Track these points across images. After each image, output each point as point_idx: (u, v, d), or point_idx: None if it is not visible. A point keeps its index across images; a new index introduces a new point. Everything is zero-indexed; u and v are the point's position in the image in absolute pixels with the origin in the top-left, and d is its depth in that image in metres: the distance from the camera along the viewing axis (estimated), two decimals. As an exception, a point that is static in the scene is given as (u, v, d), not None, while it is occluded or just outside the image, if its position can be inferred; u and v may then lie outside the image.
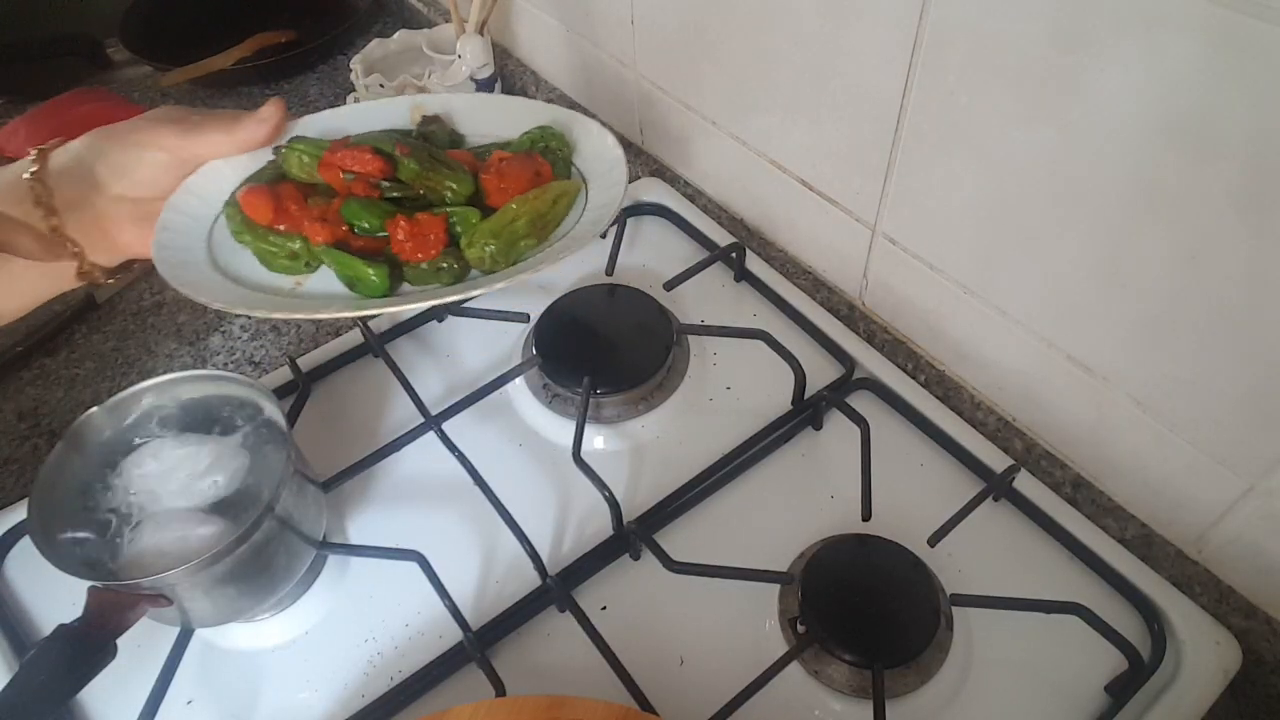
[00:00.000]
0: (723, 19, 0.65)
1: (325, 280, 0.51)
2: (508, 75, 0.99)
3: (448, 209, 0.51)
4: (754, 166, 0.71)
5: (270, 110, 0.53)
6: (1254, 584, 0.52)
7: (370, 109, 0.60)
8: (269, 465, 0.52)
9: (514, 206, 0.50)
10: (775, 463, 0.62)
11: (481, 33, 0.85)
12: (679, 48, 0.72)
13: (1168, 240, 0.45)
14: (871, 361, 0.66)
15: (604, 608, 0.55)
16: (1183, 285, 0.45)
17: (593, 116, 0.57)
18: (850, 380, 0.65)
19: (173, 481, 0.50)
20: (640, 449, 0.63)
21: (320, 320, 0.49)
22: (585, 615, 0.53)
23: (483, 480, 0.59)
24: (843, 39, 0.56)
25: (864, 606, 0.52)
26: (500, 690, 0.50)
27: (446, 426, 0.63)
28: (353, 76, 0.93)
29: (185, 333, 0.76)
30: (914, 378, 0.66)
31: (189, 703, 0.52)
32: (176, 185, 0.52)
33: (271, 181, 0.53)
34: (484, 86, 0.87)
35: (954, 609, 0.52)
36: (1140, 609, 0.53)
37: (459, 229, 0.50)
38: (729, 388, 0.66)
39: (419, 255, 0.49)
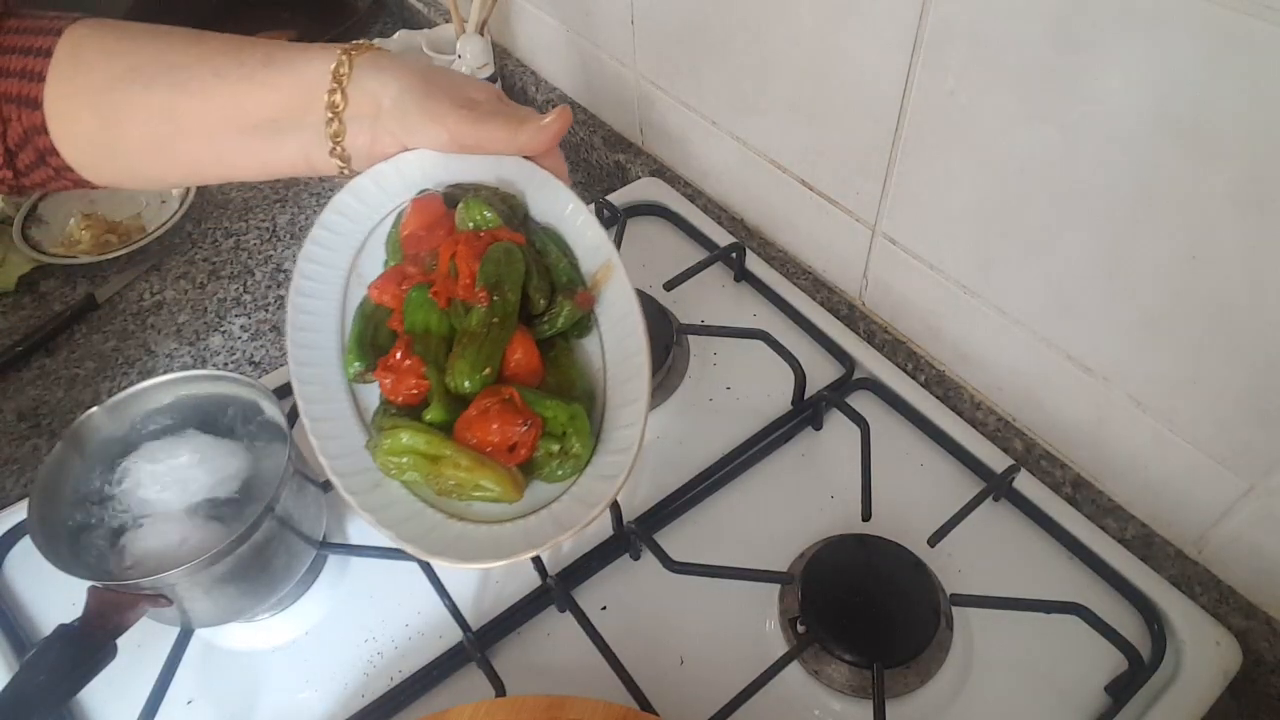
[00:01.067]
0: (723, 19, 0.65)
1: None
2: (508, 75, 0.99)
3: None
4: (754, 166, 0.71)
5: (555, 118, 0.47)
6: (1254, 584, 0.52)
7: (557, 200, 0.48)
8: (269, 465, 0.52)
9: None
10: (775, 463, 0.62)
11: (481, 33, 0.85)
12: (679, 48, 0.72)
13: (1168, 240, 0.45)
14: (871, 361, 0.66)
15: (604, 608, 0.55)
16: (1183, 285, 0.45)
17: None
18: (850, 380, 0.65)
19: (173, 481, 0.50)
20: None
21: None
22: (585, 615, 0.53)
23: (483, 480, 0.59)
24: (843, 39, 0.56)
25: (864, 606, 0.52)
26: (500, 690, 0.50)
27: (446, 426, 0.62)
28: (353, 76, 0.93)
29: (185, 333, 0.76)
30: (914, 378, 0.66)
31: (189, 703, 0.52)
32: (440, 161, 0.48)
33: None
34: (484, 86, 0.87)
35: (954, 609, 0.52)
36: (1140, 609, 0.53)
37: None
38: (729, 388, 0.66)
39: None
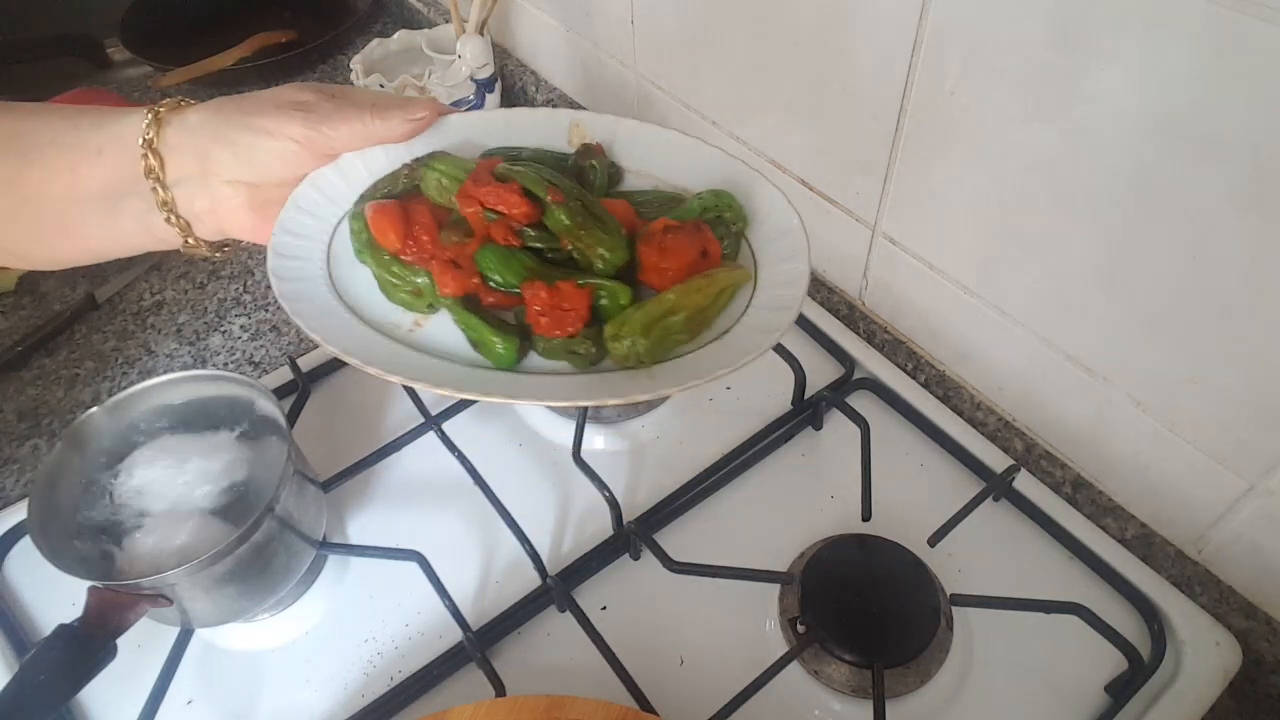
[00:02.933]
0: (723, 19, 0.65)
1: (446, 326, 0.44)
2: (508, 75, 0.99)
3: (595, 281, 0.43)
4: (754, 166, 0.71)
5: (423, 110, 0.48)
6: (1254, 584, 0.52)
7: (524, 119, 0.52)
8: (269, 465, 0.52)
9: (672, 298, 0.42)
10: (775, 463, 0.62)
11: (481, 33, 0.85)
12: (679, 48, 0.72)
13: (1168, 240, 0.45)
14: (871, 361, 0.66)
15: (604, 608, 0.55)
16: (1183, 285, 0.45)
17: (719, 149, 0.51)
18: (850, 380, 0.65)
19: (173, 481, 0.50)
20: (640, 449, 0.63)
21: (438, 394, 0.42)
22: (585, 615, 0.53)
23: (483, 480, 0.59)
24: (843, 39, 0.56)
25: (864, 606, 0.52)
26: (500, 690, 0.50)
27: (446, 426, 0.63)
28: (353, 76, 0.93)
29: (185, 333, 0.76)
30: (914, 378, 0.66)
31: (189, 703, 0.52)
32: (301, 175, 0.47)
33: (402, 196, 0.47)
34: (484, 87, 0.87)
35: (954, 609, 0.52)
36: (1140, 609, 0.53)
37: (605, 306, 0.43)
38: (729, 388, 0.66)
39: (555, 331, 0.42)
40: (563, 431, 0.63)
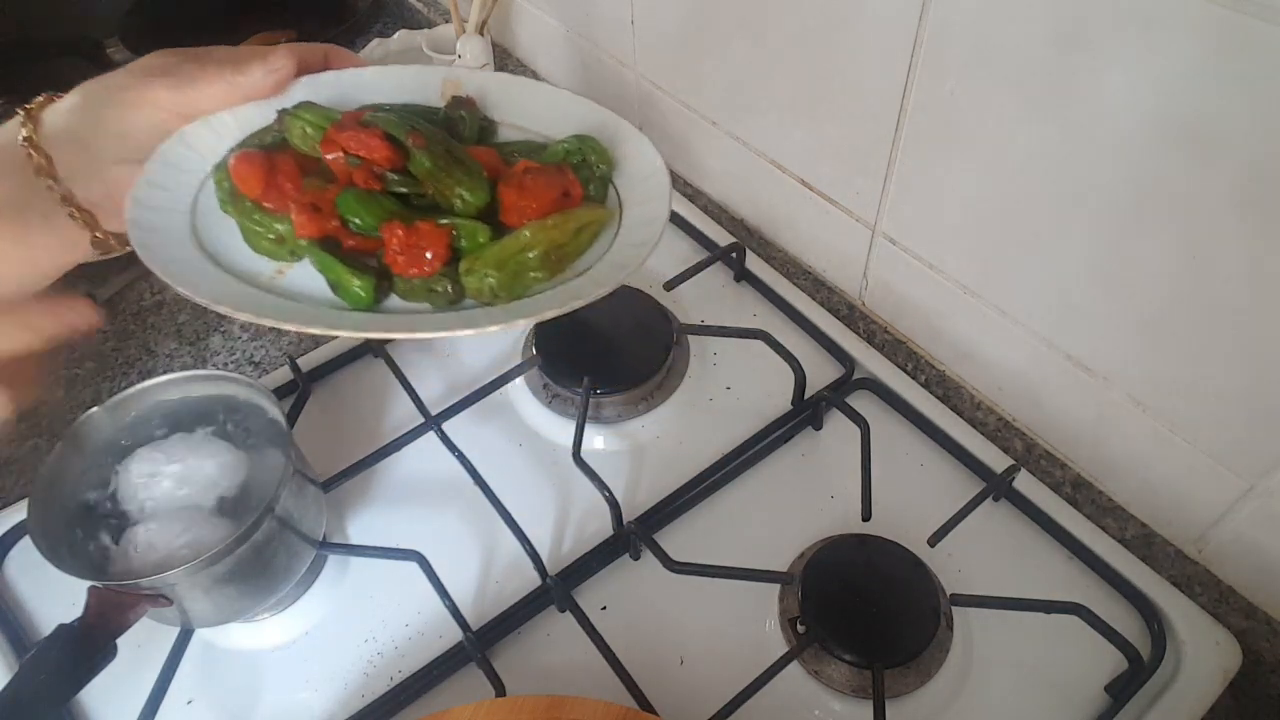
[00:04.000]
0: (723, 19, 0.65)
1: (309, 272, 0.44)
2: (508, 75, 0.98)
3: (454, 220, 0.44)
4: (754, 166, 0.71)
5: (281, 60, 0.47)
6: (1254, 584, 0.52)
7: (398, 76, 0.52)
8: (269, 465, 0.52)
9: (527, 234, 0.43)
10: (775, 463, 0.62)
11: (481, 33, 0.85)
12: (679, 48, 0.71)
13: (1168, 240, 0.45)
14: (871, 361, 0.66)
15: (604, 608, 0.55)
16: (1183, 285, 0.45)
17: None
18: (850, 380, 0.65)
19: (173, 481, 0.50)
20: (640, 449, 0.63)
21: (283, 329, 0.43)
22: (585, 615, 0.53)
23: (483, 480, 0.59)
24: (843, 39, 0.56)
25: (864, 606, 0.52)
26: (500, 690, 0.50)
27: (446, 426, 0.63)
28: (353, 76, 0.93)
29: (185, 333, 0.76)
30: (914, 378, 0.66)
31: (189, 703, 0.52)
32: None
33: (271, 148, 0.46)
34: (484, 86, 0.87)
35: (954, 609, 0.52)
36: (1140, 609, 0.53)
37: (464, 247, 0.43)
38: (729, 388, 0.66)
39: (412, 270, 0.42)
40: (563, 431, 0.63)
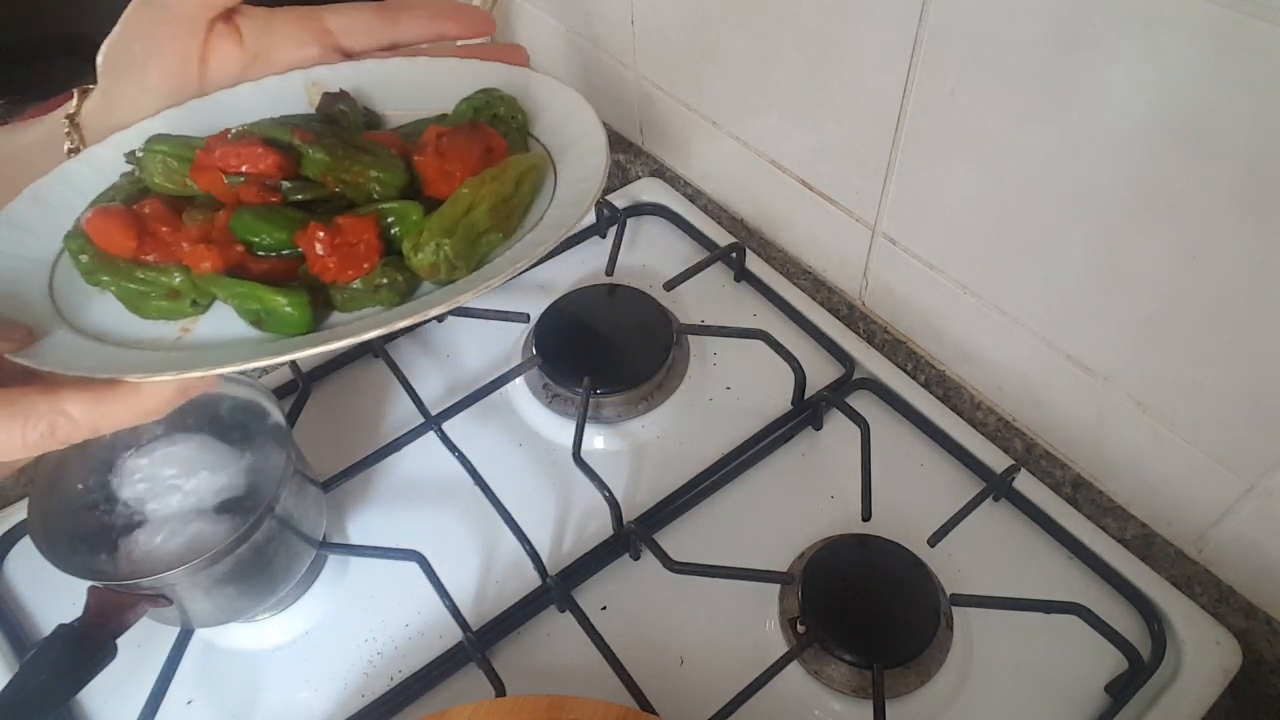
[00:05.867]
0: (723, 19, 0.65)
1: (222, 320, 0.38)
2: (508, 75, 0.98)
3: (378, 207, 0.38)
4: (754, 166, 0.71)
5: None
6: (1254, 584, 0.52)
7: (250, 93, 0.45)
8: (269, 465, 0.52)
9: (466, 192, 0.38)
10: (775, 463, 0.62)
11: (481, 33, 0.84)
12: (679, 48, 0.72)
13: (1168, 240, 0.45)
14: (871, 361, 0.66)
15: (604, 608, 0.55)
16: (1183, 285, 0.45)
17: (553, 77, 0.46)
18: (850, 380, 0.65)
19: (173, 481, 0.50)
20: (640, 449, 0.63)
21: (224, 374, 0.34)
22: (585, 615, 0.53)
23: (483, 480, 0.59)
24: (843, 39, 0.56)
25: (864, 606, 0.52)
26: (500, 690, 0.50)
27: (446, 426, 0.63)
28: (353, 76, 0.92)
29: (185, 333, 0.75)
30: (914, 378, 0.66)
31: (189, 703, 0.52)
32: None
33: (129, 200, 0.40)
34: (484, 86, 0.87)
35: (954, 609, 0.52)
36: (1140, 609, 0.53)
37: (397, 231, 0.38)
38: (729, 388, 0.66)
39: (349, 273, 0.37)
40: (563, 431, 0.63)
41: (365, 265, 0.37)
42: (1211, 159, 0.41)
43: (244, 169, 0.38)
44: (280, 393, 0.67)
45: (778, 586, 0.54)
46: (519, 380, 0.66)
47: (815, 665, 0.51)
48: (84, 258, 0.38)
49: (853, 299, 0.70)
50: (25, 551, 0.59)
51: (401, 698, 0.51)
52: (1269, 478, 0.47)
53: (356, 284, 0.37)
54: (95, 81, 0.45)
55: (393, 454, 0.62)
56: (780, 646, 0.52)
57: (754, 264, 0.74)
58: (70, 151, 0.42)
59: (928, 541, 0.54)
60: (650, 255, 0.77)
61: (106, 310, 0.38)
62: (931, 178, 0.56)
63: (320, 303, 0.37)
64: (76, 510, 0.49)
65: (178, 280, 0.37)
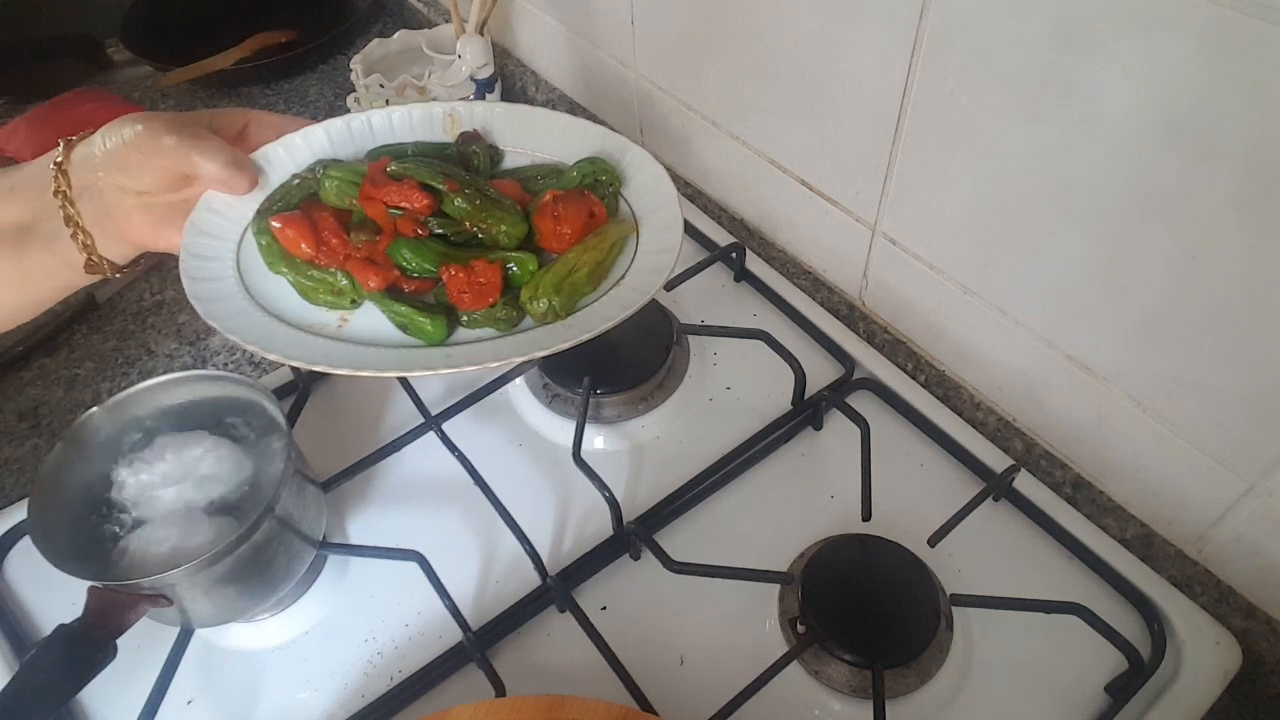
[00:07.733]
0: (723, 19, 0.65)
1: (371, 317, 0.48)
2: (508, 75, 0.99)
3: (503, 254, 0.49)
4: (754, 166, 0.71)
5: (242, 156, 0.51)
6: (1254, 584, 0.52)
7: (403, 117, 0.57)
8: (269, 465, 0.52)
9: (573, 257, 0.48)
10: (775, 463, 0.62)
11: (481, 33, 0.85)
12: (679, 48, 0.72)
13: (1168, 240, 0.45)
14: (871, 361, 0.66)
15: (604, 608, 0.55)
16: (1183, 285, 0.45)
17: (626, 136, 0.55)
18: (850, 380, 0.65)
19: (173, 482, 0.50)
20: (640, 449, 0.63)
21: (379, 378, 0.46)
22: (585, 615, 0.53)
23: (483, 480, 0.59)
24: (843, 39, 0.56)
25: (864, 606, 0.52)
26: (500, 690, 0.50)
27: (446, 426, 0.63)
28: (353, 76, 0.93)
29: (185, 333, 0.76)
30: (914, 378, 0.66)
31: (189, 703, 0.52)
32: (163, 173, 0.49)
33: (301, 206, 0.51)
34: (484, 86, 0.87)
35: (954, 609, 0.52)
36: (1140, 609, 0.53)
37: (515, 274, 0.49)
38: (729, 388, 0.66)
39: (477, 305, 0.47)
40: (563, 431, 0.63)
41: (490, 300, 0.48)
42: (1210, 159, 0.41)
43: (404, 205, 0.49)
44: (280, 393, 0.67)
45: (778, 586, 0.54)
46: (519, 380, 0.66)
47: (815, 665, 0.51)
48: (271, 250, 0.49)
49: (853, 299, 0.70)
50: (25, 551, 0.59)
51: (401, 698, 0.51)
52: (1269, 478, 0.47)
53: (480, 311, 0.48)
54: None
55: (393, 454, 0.62)
56: (780, 646, 0.52)
57: (754, 264, 0.74)
58: (58, 193, 0.47)
59: (928, 541, 0.54)
60: (650, 255, 0.77)
61: (279, 291, 0.49)
62: (931, 178, 0.56)
63: (452, 321, 0.48)
64: (77, 510, 0.49)
65: (344, 284, 0.48)
